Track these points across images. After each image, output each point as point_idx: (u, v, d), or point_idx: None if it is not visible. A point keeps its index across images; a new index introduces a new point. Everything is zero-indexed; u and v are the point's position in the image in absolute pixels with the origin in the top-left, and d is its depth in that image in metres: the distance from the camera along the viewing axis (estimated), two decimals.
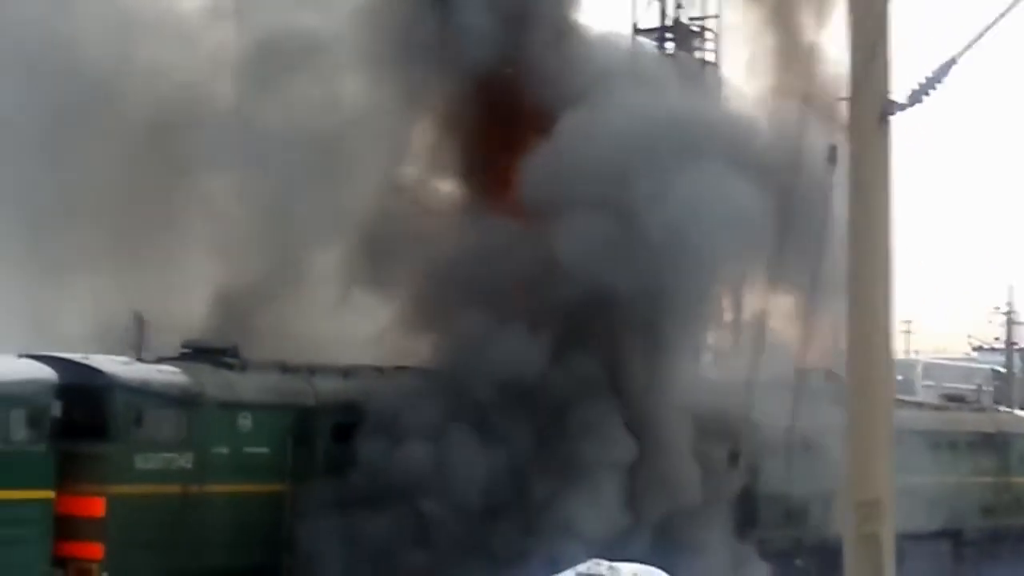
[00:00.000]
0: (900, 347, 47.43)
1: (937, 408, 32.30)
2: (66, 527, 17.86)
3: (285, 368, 20.60)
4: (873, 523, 10.78)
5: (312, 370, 20.87)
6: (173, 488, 18.87)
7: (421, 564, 19.11)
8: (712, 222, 21.11)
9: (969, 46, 10.40)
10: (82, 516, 17.98)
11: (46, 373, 17.87)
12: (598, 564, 18.05)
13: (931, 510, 29.17)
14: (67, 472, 17.88)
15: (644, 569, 18.13)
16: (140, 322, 19.78)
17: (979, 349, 74.37)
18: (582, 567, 17.98)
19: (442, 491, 19.29)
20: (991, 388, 59.18)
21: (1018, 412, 34.67)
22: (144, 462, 18.61)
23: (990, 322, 67.19)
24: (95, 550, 18.05)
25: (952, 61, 10.41)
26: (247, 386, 19.83)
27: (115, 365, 18.79)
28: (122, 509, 18.22)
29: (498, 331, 20.19)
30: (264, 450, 19.93)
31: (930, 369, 65.58)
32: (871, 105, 10.64)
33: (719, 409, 23.10)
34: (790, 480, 25.55)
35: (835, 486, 26.51)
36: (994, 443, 31.98)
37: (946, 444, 30.28)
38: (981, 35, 10.30)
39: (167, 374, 19.18)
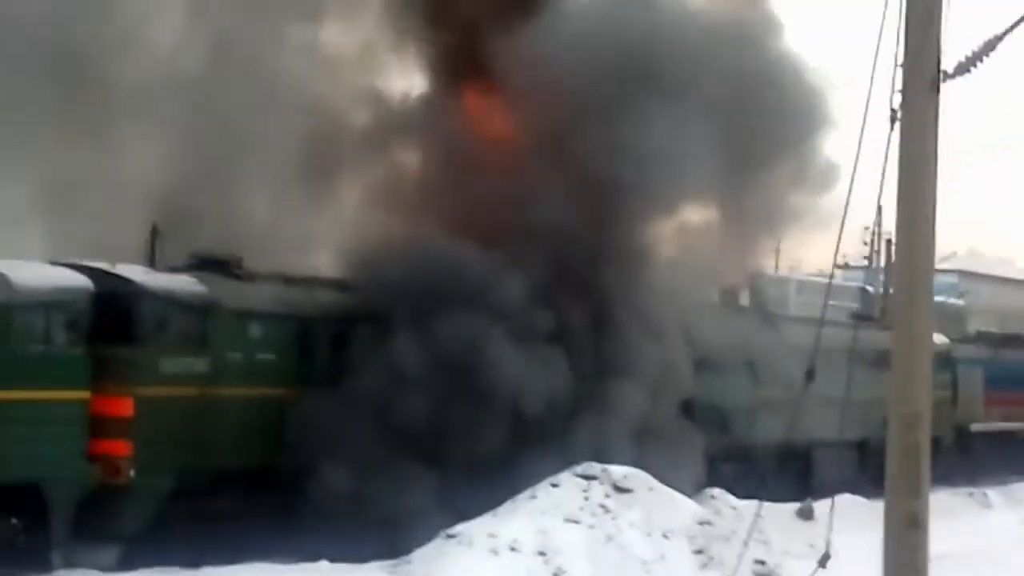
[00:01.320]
0: (771, 265, 49.52)
1: (849, 327, 34.48)
2: (97, 425, 19.05)
3: (287, 280, 21.92)
4: (914, 434, 12.53)
5: (311, 282, 22.24)
6: (191, 390, 20.16)
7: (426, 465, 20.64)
8: (661, 171, 23.12)
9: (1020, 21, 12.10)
10: (112, 415, 19.18)
11: (82, 281, 18.98)
12: (591, 467, 19.86)
13: (840, 421, 31.49)
14: (99, 374, 19.06)
15: (632, 471, 19.98)
16: (155, 233, 20.91)
17: (843, 267, 77.30)
18: (579, 469, 19.77)
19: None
20: (857, 305, 62.03)
21: None
22: (167, 365, 19.88)
23: (865, 243, 69.98)
24: (123, 447, 19.28)
25: (1004, 34, 12.11)
26: (257, 296, 21.13)
27: (142, 274, 20.00)
28: (147, 409, 19.47)
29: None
30: (272, 356, 21.28)
31: (802, 286, 68.33)
32: (925, 72, 12.27)
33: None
34: (724, 391, 27.70)
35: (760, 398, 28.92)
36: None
37: (847, 360, 32.44)
38: None
39: (187, 283, 20.41)
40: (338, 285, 22.52)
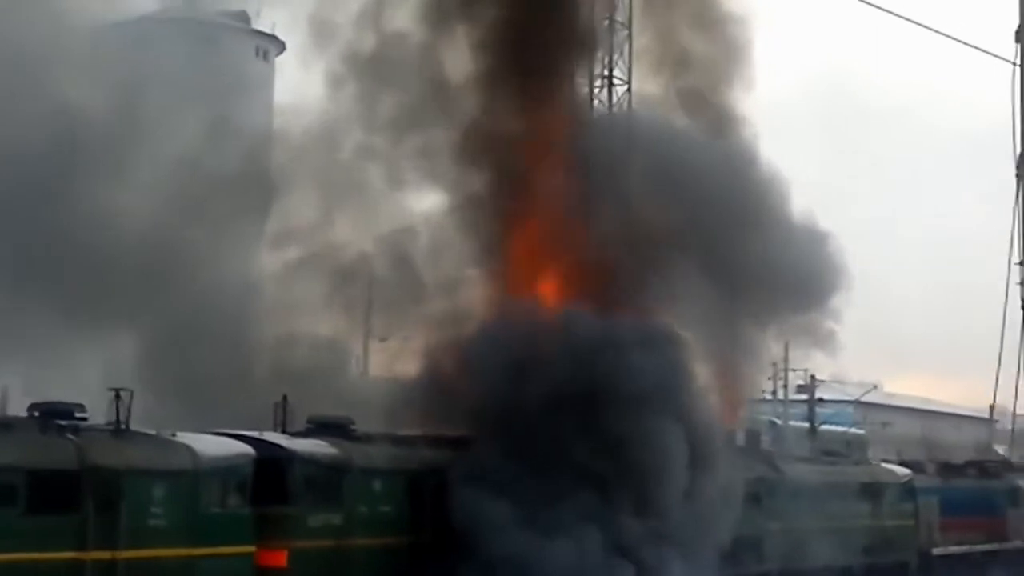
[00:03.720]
0: None
1: (829, 463, 37.77)
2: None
3: (394, 439, 24.55)
4: None
5: (414, 440, 24.89)
6: (329, 542, 22.65)
7: None
8: None
9: None
10: (270, 566, 21.61)
11: (247, 449, 21.50)
12: None
13: (830, 549, 34.69)
14: (258, 530, 21.52)
15: None
16: (284, 401, 23.47)
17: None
18: None
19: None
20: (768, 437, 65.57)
21: (885, 465, 40.46)
22: (312, 521, 22.40)
23: (769, 378, 73.79)
24: None
25: None
26: (377, 455, 23.75)
27: (289, 441, 22.57)
28: (298, 561, 21.93)
29: None
30: (389, 508, 23.85)
31: None
32: None
33: None
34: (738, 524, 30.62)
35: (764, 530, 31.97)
36: (870, 491, 37.65)
37: (838, 493, 35.79)
38: None
39: (323, 447, 22.98)
40: (434, 441, 25.19)
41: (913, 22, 17.41)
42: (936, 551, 40.43)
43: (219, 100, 36.18)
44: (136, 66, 30.90)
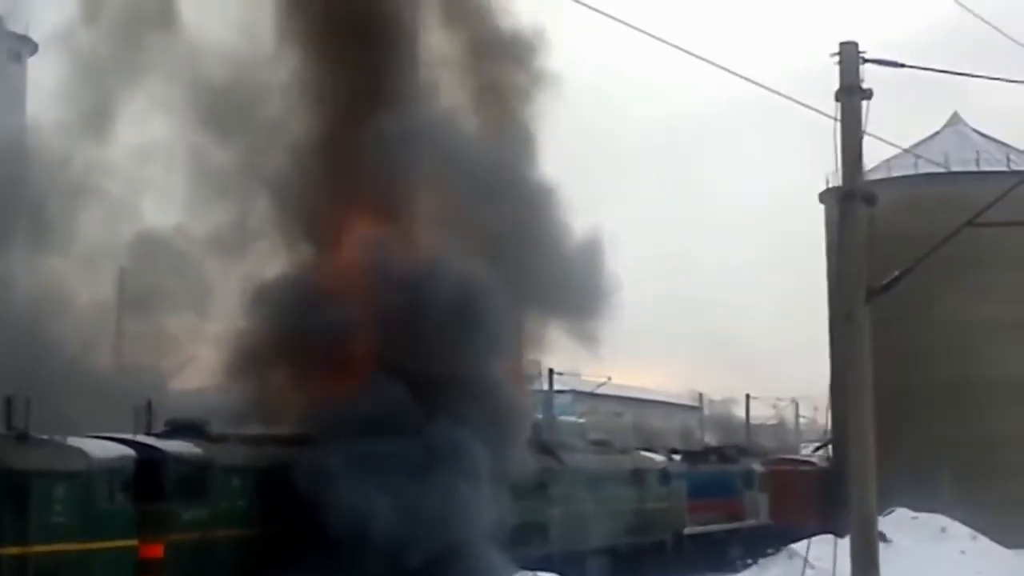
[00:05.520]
0: None
1: (598, 452, 41.03)
2: (139, 567, 23.36)
3: (243, 439, 26.61)
4: (871, 525, 18.92)
5: (261, 440, 26.99)
6: (197, 535, 24.66)
7: None
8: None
9: (922, 259, 18.93)
10: (149, 558, 23.50)
11: (129, 451, 23.34)
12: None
13: (603, 531, 38.01)
14: (139, 525, 23.41)
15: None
16: (149, 407, 25.28)
17: None
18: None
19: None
20: None
21: (647, 453, 44.08)
22: (184, 515, 24.37)
23: None
24: None
25: (911, 268, 18.90)
26: (235, 454, 25.80)
27: (162, 442, 24.46)
28: (172, 552, 23.90)
29: None
30: (244, 503, 25.92)
31: None
32: (856, 292, 18.86)
33: None
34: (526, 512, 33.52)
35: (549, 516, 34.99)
36: (635, 478, 41.15)
37: (610, 480, 39.16)
38: (934, 250, 18.91)
39: (191, 447, 24.93)
40: (279, 440, 27.33)
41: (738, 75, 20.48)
42: (687, 531, 44.35)
43: None
44: None
